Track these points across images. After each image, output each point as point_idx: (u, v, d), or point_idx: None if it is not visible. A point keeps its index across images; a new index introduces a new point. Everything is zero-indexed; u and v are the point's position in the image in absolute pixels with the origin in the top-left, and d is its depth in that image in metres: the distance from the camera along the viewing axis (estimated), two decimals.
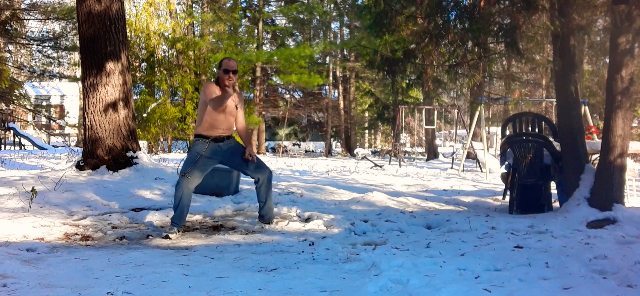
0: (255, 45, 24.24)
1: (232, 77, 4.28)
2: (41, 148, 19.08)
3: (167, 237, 4.05)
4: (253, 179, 4.55)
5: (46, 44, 20.57)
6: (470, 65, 6.28)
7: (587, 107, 10.78)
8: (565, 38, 5.05)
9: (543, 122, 6.29)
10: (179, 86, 21.37)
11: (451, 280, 2.80)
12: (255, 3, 26.12)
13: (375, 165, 14.19)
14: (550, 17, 4.97)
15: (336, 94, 27.53)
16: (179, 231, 4.18)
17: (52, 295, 2.49)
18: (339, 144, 30.42)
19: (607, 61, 4.97)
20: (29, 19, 19.61)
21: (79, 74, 20.67)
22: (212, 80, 4.48)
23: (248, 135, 4.62)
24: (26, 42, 20.29)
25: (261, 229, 4.51)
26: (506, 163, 6.05)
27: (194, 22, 23.55)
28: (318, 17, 25.59)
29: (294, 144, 29.32)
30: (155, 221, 4.69)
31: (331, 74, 26.23)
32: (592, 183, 4.82)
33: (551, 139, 5.90)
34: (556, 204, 5.77)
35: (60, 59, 22.98)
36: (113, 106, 6.64)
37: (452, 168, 13.79)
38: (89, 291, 2.55)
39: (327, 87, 27.04)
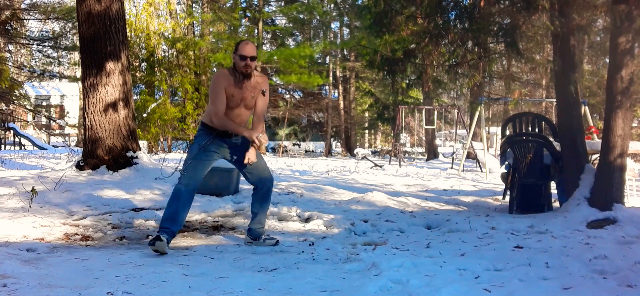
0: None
1: (251, 64, 3.68)
2: (41, 148, 19.08)
3: (154, 242, 3.45)
4: (252, 186, 3.96)
5: (46, 44, 20.56)
6: (470, 65, 6.28)
7: (587, 107, 10.77)
8: (565, 38, 5.06)
9: (543, 122, 6.30)
10: (179, 86, 21.38)
11: (451, 280, 2.80)
12: (255, 3, 26.11)
13: (375, 165, 14.19)
14: (550, 17, 4.97)
15: (336, 94, 27.53)
16: (169, 240, 3.54)
17: (52, 295, 2.49)
18: (339, 144, 30.42)
19: (607, 61, 4.97)
20: (29, 19, 19.61)
21: (79, 74, 20.68)
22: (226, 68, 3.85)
23: (262, 124, 3.83)
24: (26, 42, 20.28)
25: (248, 243, 4.05)
26: (506, 163, 6.05)
27: (194, 22, 23.56)
28: (318, 17, 25.58)
29: (294, 144, 29.30)
30: (155, 222, 4.69)
31: (331, 74, 26.23)
32: (592, 183, 4.82)
33: (551, 139, 5.90)
34: (556, 204, 5.77)
35: (60, 59, 22.97)
36: (113, 106, 6.64)
37: (452, 168, 13.79)
38: (89, 291, 2.55)
39: (327, 87, 27.04)
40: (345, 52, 26.74)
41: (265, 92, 3.83)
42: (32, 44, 20.80)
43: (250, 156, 3.71)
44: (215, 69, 22.14)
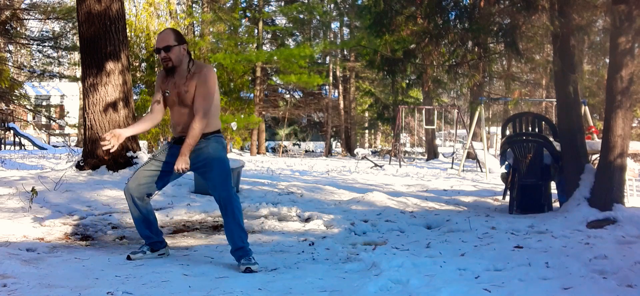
0: (255, 45, 24.23)
1: (167, 56, 3.15)
2: (41, 148, 19.08)
3: (128, 258, 3.28)
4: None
5: (46, 44, 20.58)
6: (470, 65, 6.28)
7: (587, 107, 10.78)
8: (565, 38, 5.06)
9: (543, 122, 6.30)
10: None
11: (451, 280, 2.80)
12: (255, 3, 26.12)
13: (375, 165, 14.19)
14: (550, 17, 4.97)
15: (336, 94, 27.53)
16: (146, 252, 3.34)
17: (52, 295, 2.49)
18: (339, 144, 30.41)
19: (607, 61, 4.98)
20: (29, 19, 19.62)
21: (79, 74, 20.68)
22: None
23: (196, 128, 3.14)
24: (26, 42, 20.29)
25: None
26: (506, 163, 6.05)
27: (194, 22, 23.54)
28: (318, 17, 25.59)
29: (294, 144, 29.32)
30: None
31: (331, 74, 26.22)
32: (592, 183, 4.83)
33: (551, 139, 5.90)
34: (556, 204, 5.77)
35: (60, 59, 22.99)
36: (113, 106, 6.63)
37: (452, 168, 13.79)
38: (89, 291, 2.55)
39: (327, 87, 27.03)
40: (345, 52, 26.74)
41: (186, 91, 3.18)
42: (32, 44, 20.81)
43: (178, 163, 3.11)
44: (215, 70, 22.14)
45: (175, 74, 3.23)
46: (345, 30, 27.99)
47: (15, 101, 20.22)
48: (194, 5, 24.38)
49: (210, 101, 3.19)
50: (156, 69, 21.13)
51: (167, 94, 3.24)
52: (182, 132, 3.23)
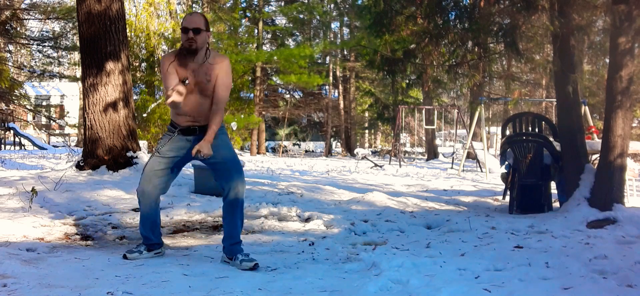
0: (255, 45, 24.24)
1: (195, 38, 3.09)
2: (41, 148, 19.07)
3: (124, 256, 3.31)
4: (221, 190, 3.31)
5: (46, 44, 20.58)
6: (470, 65, 6.28)
7: (587, 107, 10.78)
8: (565, 38, 5.06)
9: (543, 122, 6.30)
10: None
11: (451, 280, 2.80)
12: (255, 3, 26.14)
13: (375, 165, 14.19)
14: (550, 17, 4.97)
15: (336, 94, 27.54)
16: (143, 252, 3.34)
17: (52, 295, 2.49)
18: (339, 144, 30.43)
19: (607, 61, 4.98)
20: (29, 19, 19.62)
21: (79, 74, 20.69)
22: (171, 51, 3.49)
23: (219, 116, 3.16)
24: (26, 42, 20.29)
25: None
26: (506, 163, 6.06)
27: None
28: (318, 17, 25.62)
29: (294, 144, 29.34)
30: None
31: (331, 74, 26.24)
32: (592, 183, 4.83)
33: (551, 139, 5.90)
34: (556, 204, 5.77)
35: (60, 59, 23.00)
36: (113, 105, 6.63)
37: (452, 168, 13.79)
38: (89, 291, 2.55)
39: (327, 87, 27.05)
40: (345, 52, 26.76)
41: (208, 79, 3.14)
42: (32, 44, 20.81)
43: (202, 147, 3.05)
44: None
45: (192, 61, 3.16)
46: (345, 30, 28.04)
47: (15, 101, 20.21)
48: (194, 5, 24.39)
49: (229, 93, 3.29)
50: (156, 69, 21.14)
51: (186, 82, 3.13)
52: (193, 122, 3.20)
